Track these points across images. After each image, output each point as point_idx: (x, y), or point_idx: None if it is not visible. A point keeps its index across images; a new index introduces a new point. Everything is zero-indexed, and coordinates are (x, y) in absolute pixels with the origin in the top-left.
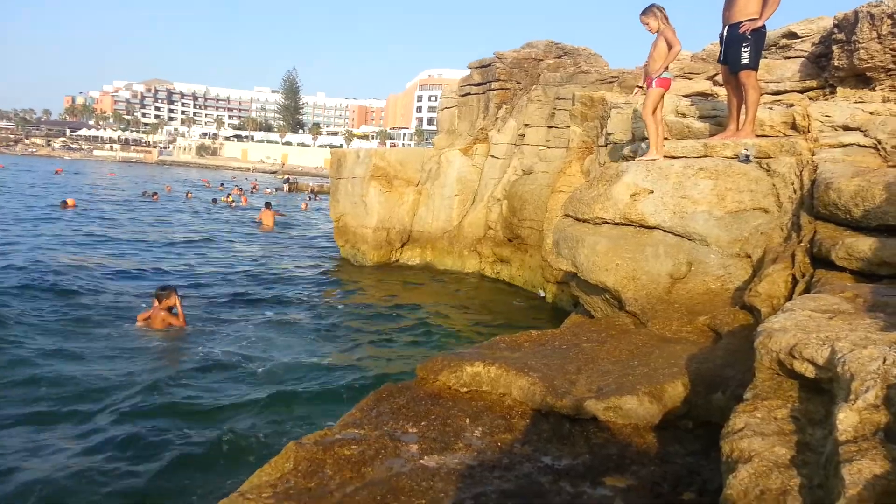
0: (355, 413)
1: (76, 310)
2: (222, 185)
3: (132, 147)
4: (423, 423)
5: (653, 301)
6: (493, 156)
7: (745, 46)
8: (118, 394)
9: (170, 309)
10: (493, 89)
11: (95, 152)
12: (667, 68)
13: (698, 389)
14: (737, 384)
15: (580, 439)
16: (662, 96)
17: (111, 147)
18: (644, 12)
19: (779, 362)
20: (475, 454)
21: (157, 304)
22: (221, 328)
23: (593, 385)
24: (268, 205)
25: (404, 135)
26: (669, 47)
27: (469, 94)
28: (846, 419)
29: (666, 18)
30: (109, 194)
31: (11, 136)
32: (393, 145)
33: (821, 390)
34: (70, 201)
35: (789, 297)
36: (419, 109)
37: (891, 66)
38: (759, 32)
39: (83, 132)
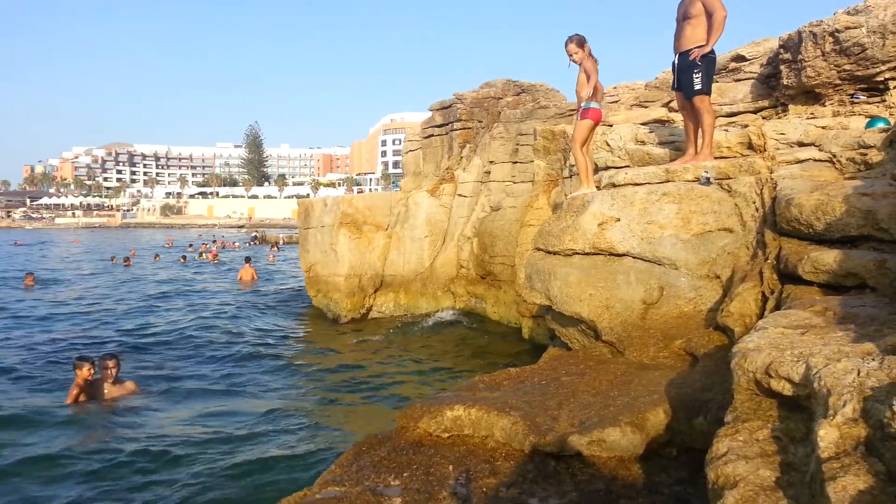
0: (335, 469)
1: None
2: (191, 245)
3: (95, 212)
4: (405, 475)
5: (628, 328)
6: (460, 194)
7: (696, 73)
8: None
9: (86, 381)
10: (456, 129)
11: (57, 220)
12: (596, 99)
13: (679, 415)
14: (717, 407)
15: (566, 477)
16: (592, 129)
17: (73, 213)
18: (569, 41)
19: (756, 382)
20: (461, 502)
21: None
22: (183, 388)
23: (575, 419)
24: (248, 259)
25: (371, 180)
26: (588, 78)
27: (432, 135)
28: (826, 435)
29: (587, 50)
30: (77, 264)
31: None
32: (360, 191)
33: (800, 407)
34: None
35: (761, 315)
36: (384, 154)
37: (837, 81)
38: (709, 58)
39: (44, 201)
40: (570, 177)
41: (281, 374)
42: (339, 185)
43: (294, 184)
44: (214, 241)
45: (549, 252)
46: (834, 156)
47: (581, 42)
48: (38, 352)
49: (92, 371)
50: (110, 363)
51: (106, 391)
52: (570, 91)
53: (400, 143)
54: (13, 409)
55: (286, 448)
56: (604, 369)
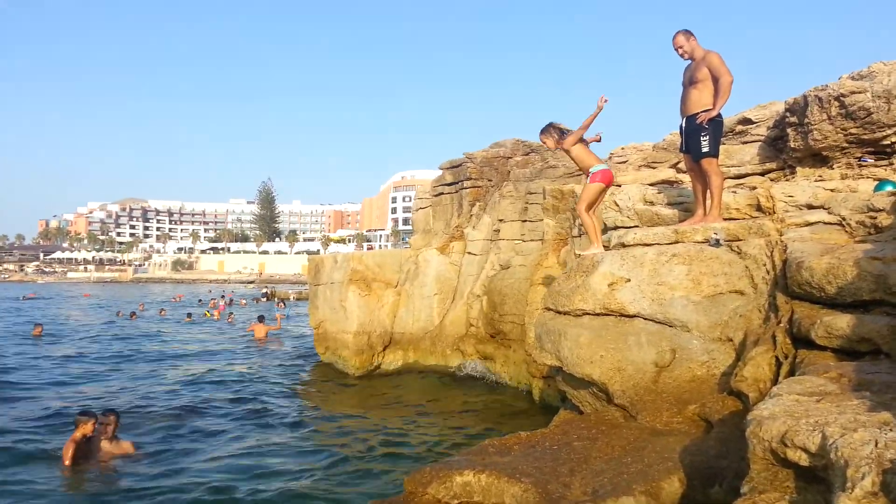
0: None
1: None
2: (200, 301)
3: (107, 267)
4: None
5: (640, 392)
6: (470, 252)
7: (703, 136)
8: None
9: (84, 437)
10: (466, 188)
11: (69, 274)
12: (599, 160)
13: (695, 484)
14: (733, 475)
15: None
16: (602, 191)
17: (85, 268)
18: (542, 132)
19: (772, 451)
20: None
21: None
22: (183, 448)
23: (588, 487)
24: (260, 318)
25: (381, 236)
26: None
27: (442, 193)
28: None
29: (561, 134)
30: (86, 317)
31: None
32: (370, 248)
33: (817, 478)
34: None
35: (775, 380)
36: (394, 210)
37: (844, 144)
38: (716, 121)
39: (57, 255)
40: (580, 235)
41: (286, 433)
42: (350, 242)
43: (305, 239)
44: (223, 297)
45: (559, 312)
46: (843, 219)
47: (550, 132)
48: (36, 403)
49: (94, 427)
50: (110, 418)
51: (102, 450)
52: None
53: (410, 200)
54: (8, 466)
55: None
56: (616, 434)
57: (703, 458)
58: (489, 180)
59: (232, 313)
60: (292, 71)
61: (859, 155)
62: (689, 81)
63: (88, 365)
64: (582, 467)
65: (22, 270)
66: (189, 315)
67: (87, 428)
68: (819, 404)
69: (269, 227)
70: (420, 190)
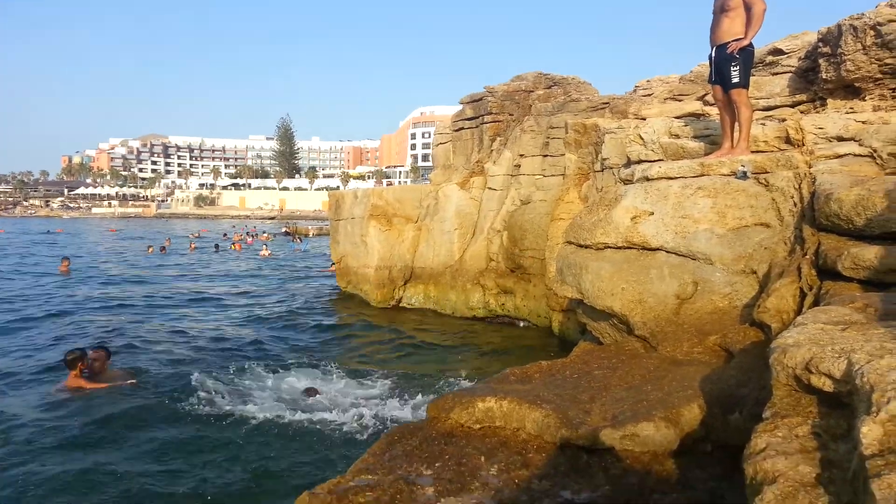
0: (368, 458)
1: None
2: (225, 234)
3: (130, 202)
4: (437, 465)
5: (661, 323)
6: (490, 188)
7: (734, 66)
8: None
9: (81, 372)
10: (487, 122)
11: (94, 209)
12: None
13: (715, 411)
14: (753, 403)
15: (598, 471)
16: None
17: (109, 203)
18: None
19: (795, 378)
20: (492, 493)
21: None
22: (204, 365)
23: (608, 413)
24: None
25: (400, 172)
26: None
27: (462, 128)
28: (870, 433)
29: None
30: (115, 251)
31: (10, 199)
32: (389, 184)
33: (841, 404)
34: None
35: (798, 312)
36: (413, 147)
37: (878, 75)
38: (747, 51)
39: (81, 190)
40: (602, 171)
41: (308, 362)
42: (369, 178)
43: (324, 176)
44: (247, 233)
45: (581, 245)
46: (874, 151)
47: None
48: (53, 336)
49: (84, 364)
50: (98, 353)
51: (97, 382)
52: (601, 84)
53: (429, 137)
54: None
55: (316, 436)
56: (636, 364)
57: (724, 386)
58: (510, 115)
59: (266, 245)
60: (312, 7)
61: (894, 86)
62: (721, 9)
63: (116, 296)
64: (602, 395)
65: (47, 206)
66: (217, 246)
67: (80, 364)
68: (845, 333)
69: (288, 163)
70: (440, 125)
